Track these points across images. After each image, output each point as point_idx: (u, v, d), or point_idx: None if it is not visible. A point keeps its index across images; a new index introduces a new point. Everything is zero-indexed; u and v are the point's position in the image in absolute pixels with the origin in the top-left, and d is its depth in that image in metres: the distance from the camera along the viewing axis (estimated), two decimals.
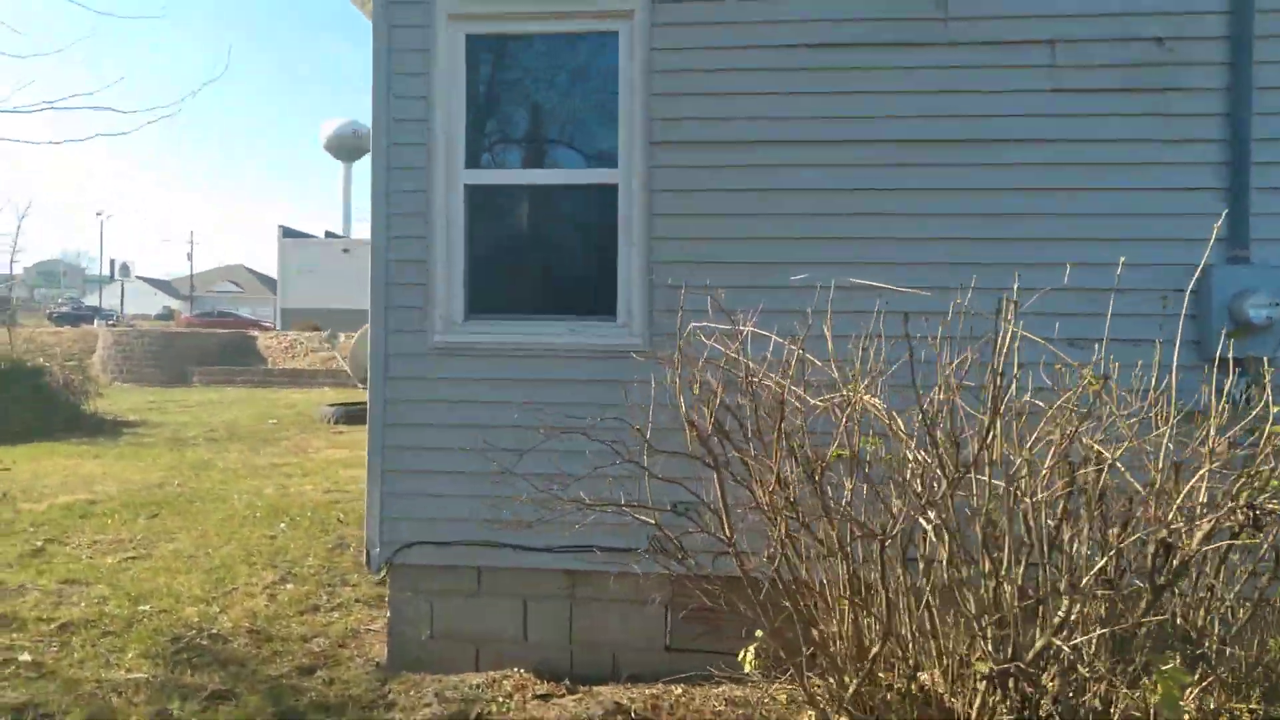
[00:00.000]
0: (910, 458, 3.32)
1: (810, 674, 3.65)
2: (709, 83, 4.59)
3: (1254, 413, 2.98)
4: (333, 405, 18.18)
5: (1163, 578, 2.77)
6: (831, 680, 3.51)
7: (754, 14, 4.55)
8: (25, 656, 4.87)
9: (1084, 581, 2.83)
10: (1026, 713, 2.93)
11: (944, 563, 3.22)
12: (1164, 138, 4.33)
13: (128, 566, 6.64)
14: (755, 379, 3.78)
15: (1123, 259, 3.57)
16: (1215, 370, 3.76)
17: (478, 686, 4.50)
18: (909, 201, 4.47)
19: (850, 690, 3.39)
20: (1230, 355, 3.88)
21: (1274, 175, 4.24)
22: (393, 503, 4.76)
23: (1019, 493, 3.03)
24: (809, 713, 3.96)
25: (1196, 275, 3.89)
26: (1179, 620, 2.99)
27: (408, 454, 4.76)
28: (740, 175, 4.57)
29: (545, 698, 4.39)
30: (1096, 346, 3.35)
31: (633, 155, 4.64)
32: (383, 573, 4.90)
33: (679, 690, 4.46)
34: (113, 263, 76.47)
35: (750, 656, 4.12)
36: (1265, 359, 3.89)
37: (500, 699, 4.39)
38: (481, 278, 4.82)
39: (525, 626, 4.77)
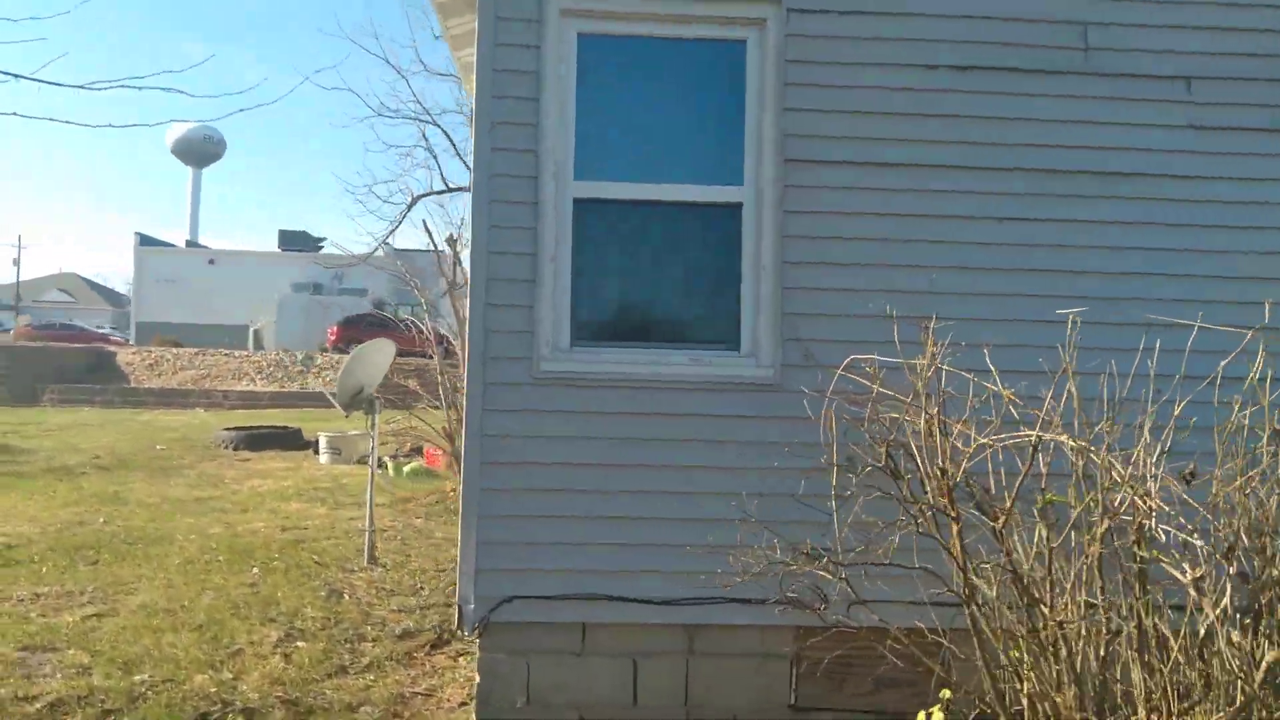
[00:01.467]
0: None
1: None
2: (846, 100, 4.31)
3: None
4: (230, 430, 16.80)
5: None
6: None
7: (894, 31, 4.32)
8: None
9: None
10: None
11: None
12: (1249, 176, 4.36)
13: (94, 625, 5.70)
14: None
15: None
16: None
17: None
18: (1052, 231, 4.33)
19: None
20: None
21: None
22: (490, 552, 4.21)
23: None
24: None
25: None
26: None
27: (507, 497, 4.22)
28: (876, 199, 4.31)
29: None
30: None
31: (761, 173, 4.31)
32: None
33: None
34: None
35: (938, 714, 3.81)
36: None
37: None
38: (587, 301, 4.36)
39: (635, 689, 4.30)
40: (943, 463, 3.18)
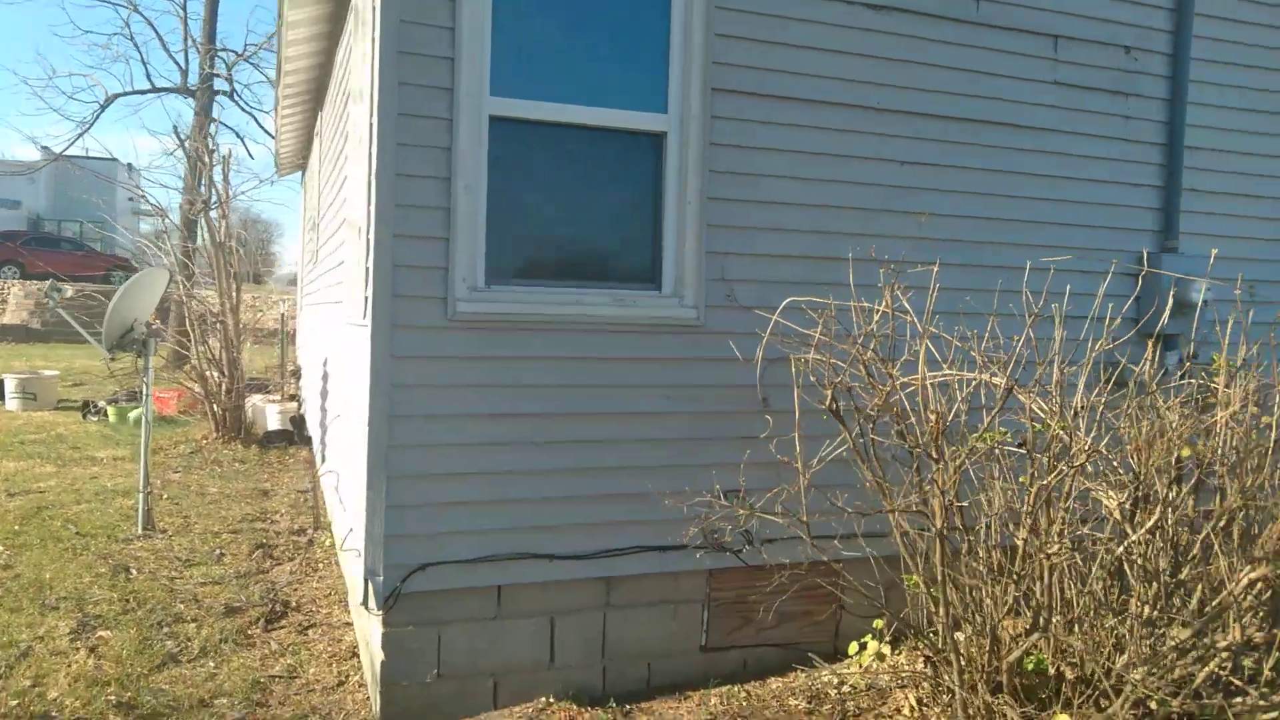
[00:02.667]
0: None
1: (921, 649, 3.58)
2: (777, 30, 4.16)
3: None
4: None
5: None
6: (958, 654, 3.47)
7: None
8: None
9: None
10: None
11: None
12: (1124, 137, 4.88)
13: None
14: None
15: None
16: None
17: None
18: (944, 177, 4.52)
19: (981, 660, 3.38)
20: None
21: (1197, 179, 5.00)
22: (400, 516, 3.71)
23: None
24: (907, 693, 3.93)
25: (1144, 261, 4.74)
26: None
27: (418, 454, 3.73)
28: (800, 135, 4.24)
29: None
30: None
31: (688, 101, 4.06)
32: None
33: (741, 690, 4.12)
34: None
35: (873, 643, 3.97)
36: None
37: None
38: (502, 235, 3.89)
39: (553, 647, 4.05)
40: (932, 411, 3.22)
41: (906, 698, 3.88)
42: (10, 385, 11.84)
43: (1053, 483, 3.03)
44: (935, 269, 3.69)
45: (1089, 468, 3.34)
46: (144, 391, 6.19)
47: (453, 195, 3.73)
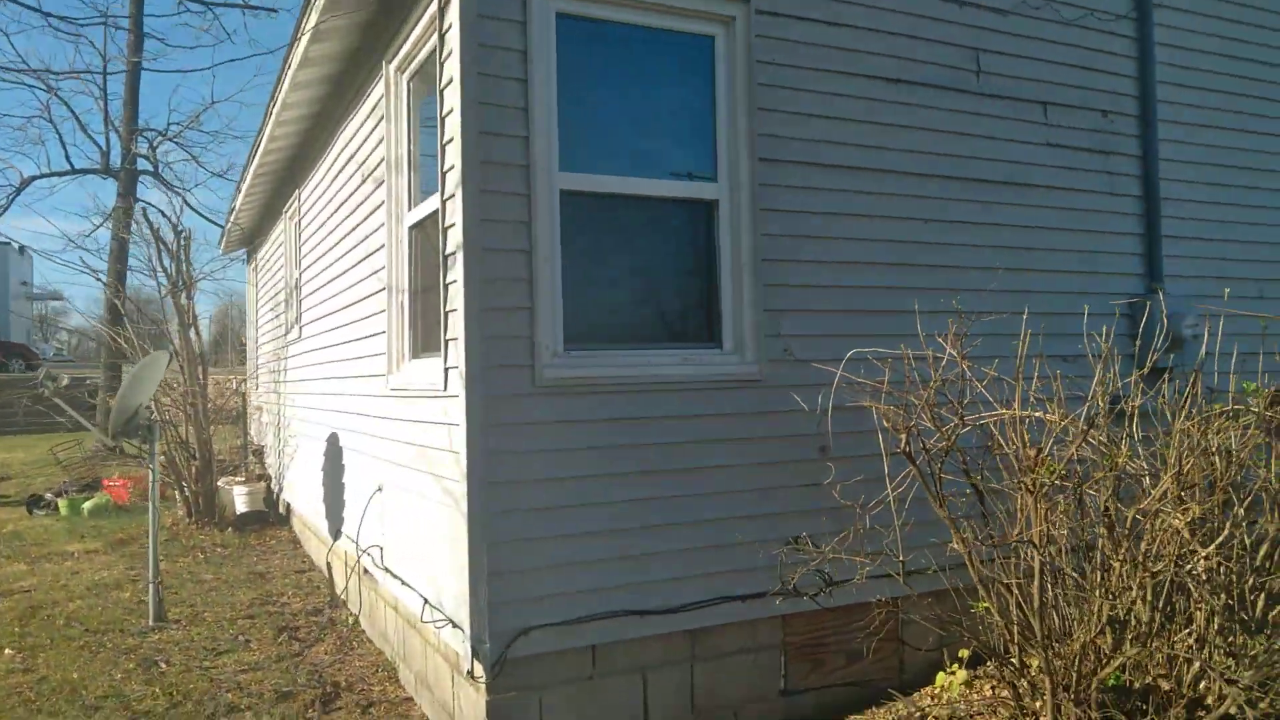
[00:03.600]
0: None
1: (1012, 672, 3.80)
2: (808, 103, 4.48)
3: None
4: None
5: None
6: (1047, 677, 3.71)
7: (848, 41, 4.58)
8: None
9: None
10: None
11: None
12: (1108, 190, 5.37)
13: None
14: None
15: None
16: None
17: None
18: (964, 233, 4.89)
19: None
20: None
21: (1173, 227, 5.52)
22: (502, 583, 3.76)
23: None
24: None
25: (1131, 302, 5.19)
26: None
27: (515, 518, 3.80)
28: (843, 199, 4.55)
29: None
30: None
31: (736, 170, 4.33)
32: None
33: None
34: None
35: (960, 673, 4.16)
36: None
37: None
38: (575, 302, 4.04)
39: (646, 703, 4.12)
40: (1030, 448, 3.49)
41: None
42: None
43: (1151, 507, 3.32)
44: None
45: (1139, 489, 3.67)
46: (151, 478, 6.01)
47: (533, 266, 3.87)
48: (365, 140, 5.48)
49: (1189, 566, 3.47)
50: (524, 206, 3.87)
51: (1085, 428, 3.64)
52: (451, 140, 3.85)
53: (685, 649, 4.21)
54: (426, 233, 4.64)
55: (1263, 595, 3.52)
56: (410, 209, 4.81)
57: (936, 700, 4.41)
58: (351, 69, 5.72)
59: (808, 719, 4.41)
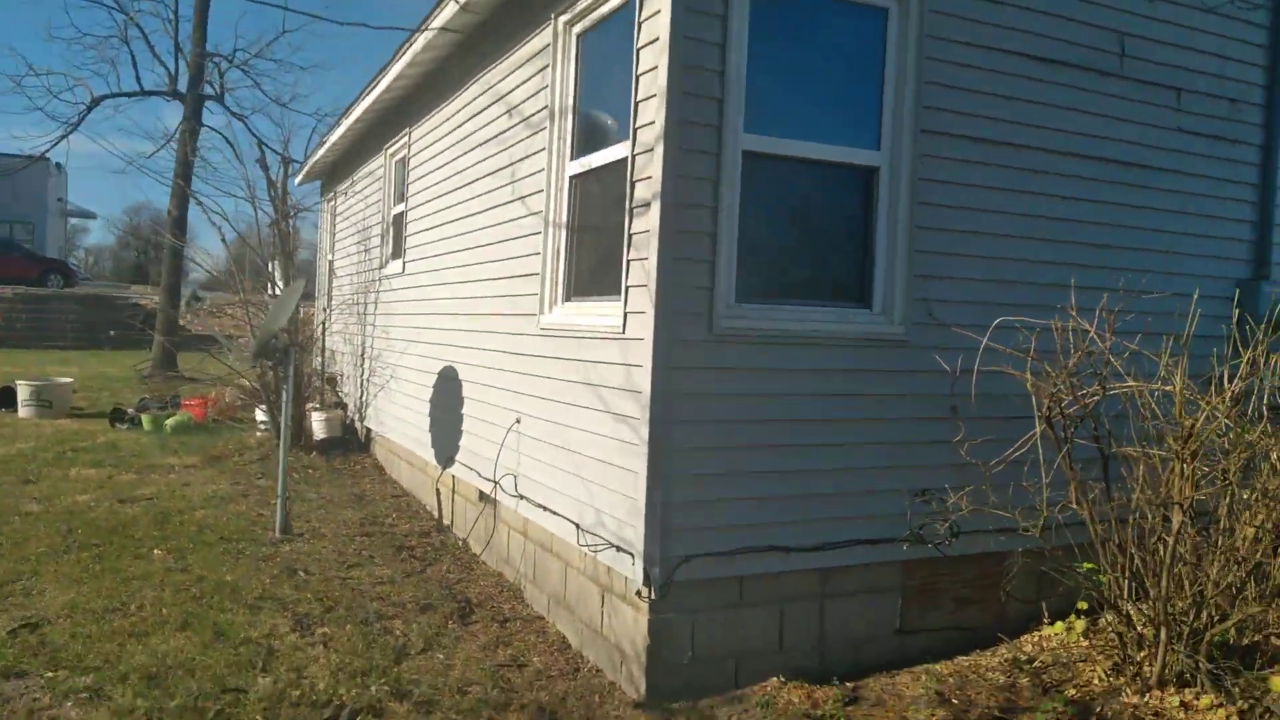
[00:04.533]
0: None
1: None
2: (969, 78, 4.67)
3: None
4: None
5: None
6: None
7: (1006, 19, 4.75)
8: None
9: None
10: None
11: None
12: (1227, 177, 5.57)
13: (36, 639, 4.42)
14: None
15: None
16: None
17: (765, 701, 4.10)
18: (1100, 211, 5.11)
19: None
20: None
21: None
22: (671, 513, 4.07)
23: None
24: (1096, 665, 4.45)
25: (1240, 287, 5.40)
26: None
27: (685, 455, 4.10)
28: (992, 174, 4.76)
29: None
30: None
31: (900, 140, 4.53)
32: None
33: (941, 667, 4.58)
34: None
35: (1078, 622, 4.48)
36: None
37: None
38: (748, 258, 4.29)
39: (781, 633, 4.45)
40: (1188, 420, 3.76)
41: (1095, 669, 4.40)
42: (24, 393, 11.52)
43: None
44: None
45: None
46: (285, 398, 6.33)
47: (717, 221, 4.11)
48: (518, 87, 5.67)
49: None
50: (713, 165, 4.10)
51: (1229, 405, 3.92)
52: (652, 98, 4.06)
53: (817, 586, 4.53)
54: (594, 182, 4.87)
55: None
56: (573, 158, 5.03)
57: (1039, 647, 4.74)
58: (503, 17, 5.89)
59: (919, 657, 4.74)
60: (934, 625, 4.87)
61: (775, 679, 4.36)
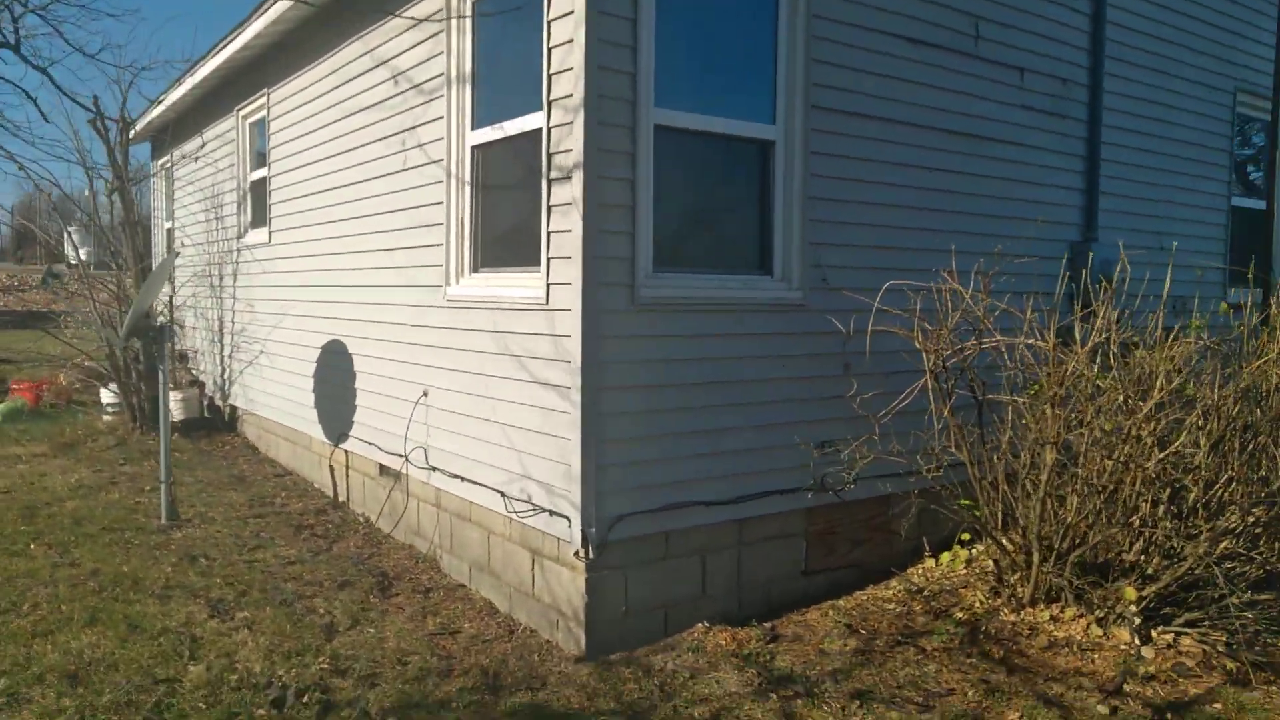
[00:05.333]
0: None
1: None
2: (852, 57, 5.02)
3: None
4: None
5: None
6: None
7: (884, 3, 5.12)
8: None
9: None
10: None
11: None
12: (1060, 150, 6.25)
13: None
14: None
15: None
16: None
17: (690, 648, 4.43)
18: (960, 181, 5.63)
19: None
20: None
21: (1107, 184, 6.49)
22: (604, 476, 4.27)
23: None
24: (975, 590, 5.04)
25: (1073, 248, 6.16)
26: None
27: (614, 420, 4.30)
28: (870, 147, 5.15)
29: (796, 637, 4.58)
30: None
31: (793, 115, 4.83)
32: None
33: (844, 603, 5.05)
34: None
35: (962, 551, 5.02)
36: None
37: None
38: (660, 229, 4.49)
39: (704, 581, 4.77)
40: (1057, 370, 4.28)
41: (976, 593, 4.98)
42: None
43: (1142, 417, 4.20)
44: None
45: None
46: (163, 379, 6.02)
47: (635, 194, 4.29)
48: (406, 52, 5.57)
49: (1147, 464, 4.42)
50: (629, 139, 4.25)
51: (1087, 356, 4.50)
52: (567, 70, 4.15)
53: (734, 535, 4.87)
54: (500, 152, 4.91)
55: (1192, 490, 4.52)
56: (474, 128, 5.04)
57: (926, 578, 5.30)
58: None
59: (823, 595, 5.18)
60: (834, 565, 5.33)
61: (701, 625, 4.68)
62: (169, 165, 11.26)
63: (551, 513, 4.42)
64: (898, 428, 4.70)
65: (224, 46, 7.75)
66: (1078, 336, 4.65)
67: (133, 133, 11.24)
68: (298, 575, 5.27)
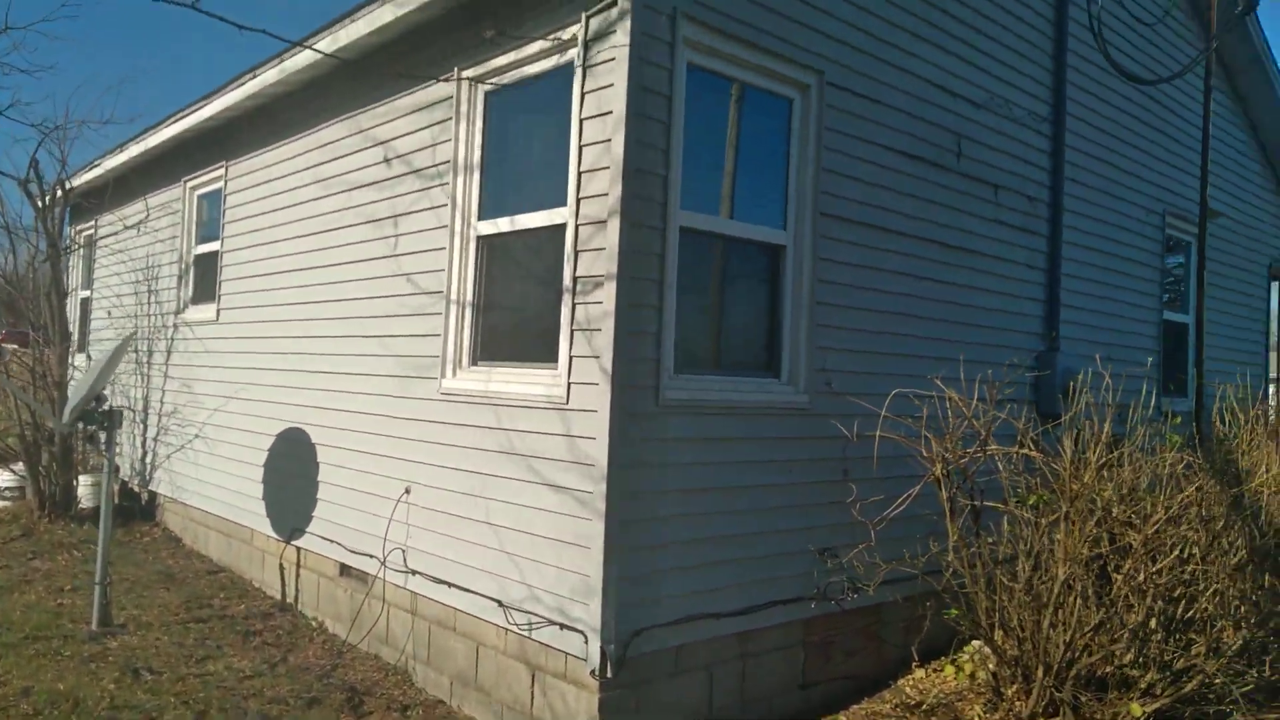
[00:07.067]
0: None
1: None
2: (855, 168, 5.13)
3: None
4: None
5: None
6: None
7: (882, 116, 5.28)
8: None
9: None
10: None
11: None
12: (1025, 262, 6.51)
13: None
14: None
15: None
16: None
17: None
18: (943, 290, 5.77)
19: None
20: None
21: (1067, 297, 6.78)
22: (625, 588, 4.05)
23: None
24: (973, 703, 4.97)
25: (1037, 356, 6.38)
26: None
27: (637, 528, 4.11)
28: (871, 255, 5.24)
29: None
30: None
31: (803, 221, 4.88)
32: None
33: (842, 716, 4.91)
34: None
35: (968, 663, 4.95)
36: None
37: None
38: (682, 330, 4.41)
39: (711, 695, 4.55)
40: (1071, 483, 4.33)
41: (973, 707, 4.91)
42: None
43: (1150, 531, 4.27)
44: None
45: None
46: (106, 469, 5.50)
47: (662, 295, 4.21)
48: (405, 136, 5.41)
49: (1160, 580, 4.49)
50: (659, 239, 4.19)
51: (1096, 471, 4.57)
52: (603, 169, 4.08)
53: (738, 648, 4.69)
54: (511, 244, 4.78)
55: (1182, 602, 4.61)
56: (482, 217, 4.89)
57: (918, 689, 5.21)
58: (383, 60, 5.60)
59: (821, 708, 5.02)
60: (830, 676, 5.18)
61: None
62: (90, 232, 10.62)
63: (562, 625, 4.16)
64: (893, 533, 4.67)
65: (183, 117, 7.42)
66: (1067, 448, 4.74)
67: (48, 197, 10.62)
68: (258, 691, 4.79)
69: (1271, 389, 10.97)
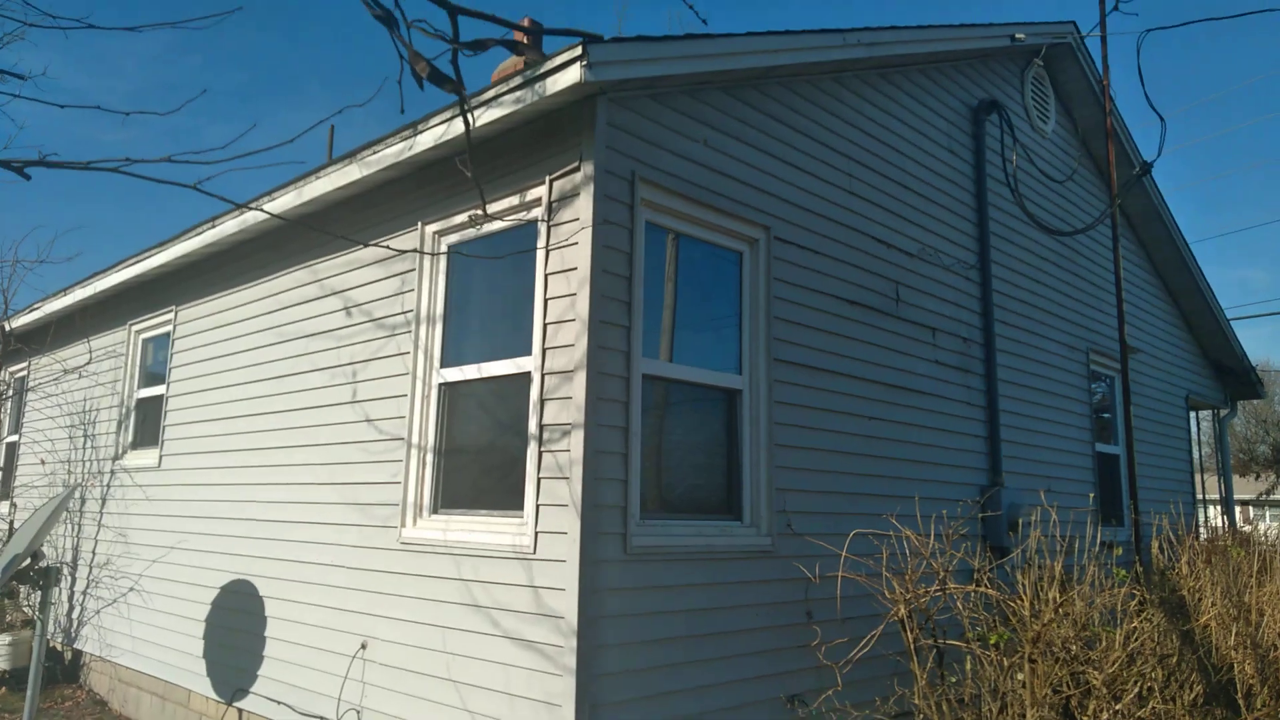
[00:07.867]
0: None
1: None
2: (806, 317, 5.39)
3: None
4: None
5: None
6: None
7: (825, 267, 5.59)
8: None
9: None
10: None
11: None
12: (965, 400, 6.80)
13: None
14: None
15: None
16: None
17: None
18: (888, 428, 5.98)
19: None
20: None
21: (1006, 433, 7.06)
22: None
23: None
24: None
25: (983, 491, 6.58)
26: None
27: (609, 682, 4.05)
28: (819, 397, 5.43)
29: None
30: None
31: (756, 366, 5.07)
32: None
33: None
34: None
35: None
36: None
37: None
38: (647, 475, 4.49)
39: None
40: (1035, 625, 4.42)
41: None
42: None
43: (1111, 670, 4.35)
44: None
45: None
46: (38, 632, 5.21)
47: (628, 442, 4.29)
48: (365, 285, 5.52)
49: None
50: (623, 388, 4.31)
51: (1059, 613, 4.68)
52: (569, 321, 4.23)
53: None
54: (475, 392, 4.85)
55: None
56: (444, 365, 4.97)
57: None
58: (344, 212, 5.77)
59: None
60: None
61: None
62: (24, 374, 10.36)
63: None
64: (858, 675, 4.69)
65: (135, 262, 7.43)
66: (1024, 584, 4.85)
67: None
68: None
69: (1211, 511, 11.39)
